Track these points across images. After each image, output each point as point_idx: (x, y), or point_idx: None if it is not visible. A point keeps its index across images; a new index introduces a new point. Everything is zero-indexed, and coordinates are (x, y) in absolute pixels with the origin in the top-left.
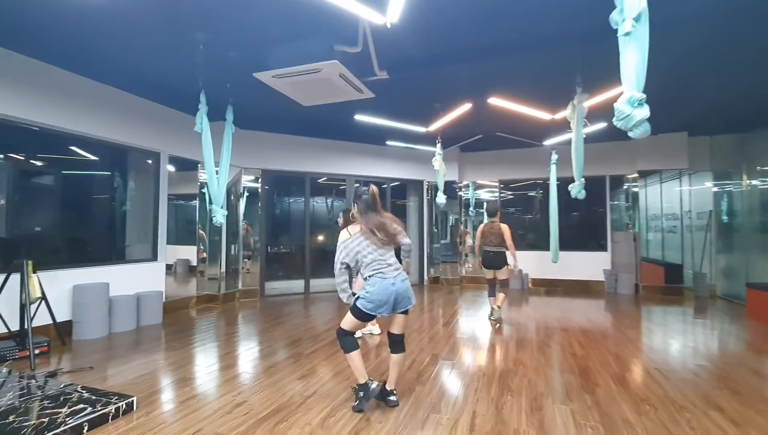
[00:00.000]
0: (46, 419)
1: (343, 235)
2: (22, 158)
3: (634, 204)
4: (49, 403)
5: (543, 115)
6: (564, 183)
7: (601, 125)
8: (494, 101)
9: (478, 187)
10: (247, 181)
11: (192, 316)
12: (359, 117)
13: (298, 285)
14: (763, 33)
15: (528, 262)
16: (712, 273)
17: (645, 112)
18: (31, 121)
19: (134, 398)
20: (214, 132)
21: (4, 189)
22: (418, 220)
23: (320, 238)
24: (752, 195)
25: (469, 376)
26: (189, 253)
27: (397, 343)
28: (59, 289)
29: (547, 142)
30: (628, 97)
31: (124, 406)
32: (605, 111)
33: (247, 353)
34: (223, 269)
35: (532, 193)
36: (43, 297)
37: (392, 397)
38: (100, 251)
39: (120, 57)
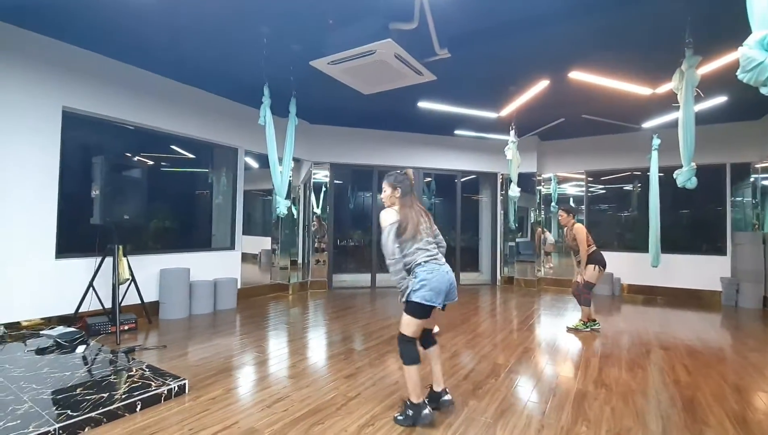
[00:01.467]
0: (106, 394)
1: (390, 215)
2: (130, 155)
3: (763, 199)
4: (114, 379)
5: (641, 90)
6: (669, 173)
7: (721, 99)
8: (576, 75)
9: (561, 180)
10: (320, 175)
11: (263, 303)
12: (423, 104)
13: (364, 278)
14: None
15: (621, 265)
16: None
17: None
18: (124, 120)
19: (186, 381)
20: (279, 126)
21: (99, 180)
22: (492, 216)
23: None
24: None
25: (537, 394)
26: (264, 243)
27: (428, 336)
28: (147, 272)
29: (647, 125)
30: (761, 37)
31: (176, 389)
32: (725, 81)
33: (303, 345)
34: (299, 259)
35: (628, 187)
36: (132, 278)
37: (446, 397)
38: (192, 239)
39: (197, 57)
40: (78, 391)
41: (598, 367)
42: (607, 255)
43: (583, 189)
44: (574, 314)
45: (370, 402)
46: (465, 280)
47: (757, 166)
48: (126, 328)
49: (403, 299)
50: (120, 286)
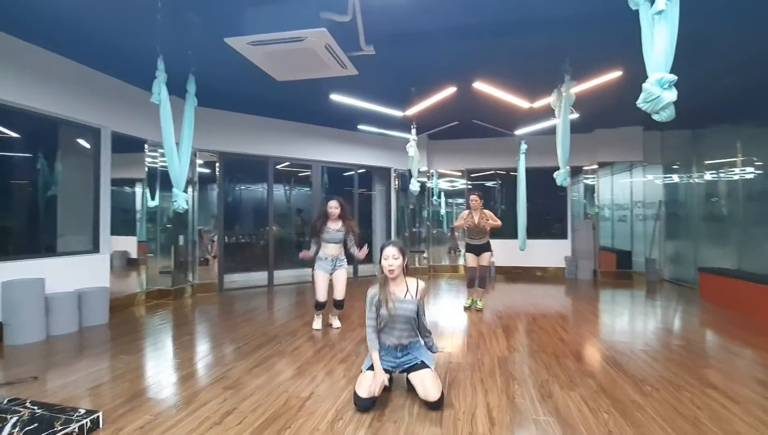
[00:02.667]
0: None
1: None
2: None
3: (590, 194)
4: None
5: (522, 103)
6: (532, 172)
7: (575, 116)
8: (479, 86)
9: (440, 176)
10: (206, 164)
11: (142, 314)
12: (335, 97)
13: (260, 277)
14: (711, 36)
15: (495, 250)
16: (661, 259)
17: (673, 95)
18: None
19: (100, 413)
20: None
21: None
22: (386, 209)
23: (284, 227)
24: (700, 187)
25: (468, 366)
26: (127, 244)
27: None
28: None
29: (518, 132)
30: (658, 79)
31: (89, 424)
32: (577, 102)
33: (222, 354)
34: (187, 259)
35: (490, 184)
36: None
37: None
38: (30, 243)
39: (48, 10)
40: None
41: (504, 336)
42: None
43: (464, 184)
44: (462, 295)
45: (328, 399)
46: (362, 272)
47: (585, 168)
48: None
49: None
50: None
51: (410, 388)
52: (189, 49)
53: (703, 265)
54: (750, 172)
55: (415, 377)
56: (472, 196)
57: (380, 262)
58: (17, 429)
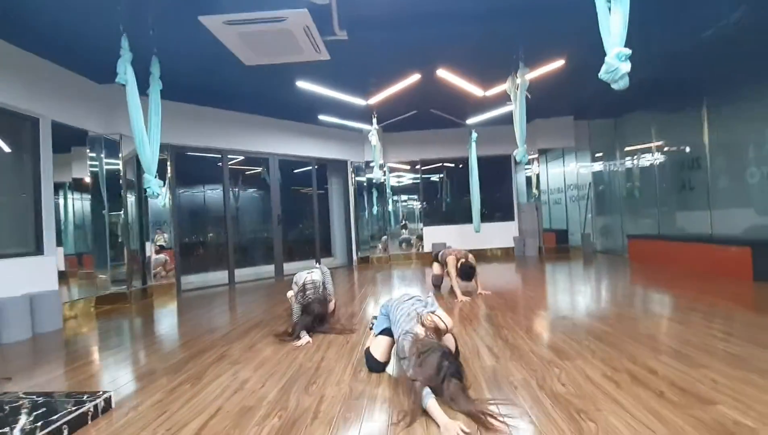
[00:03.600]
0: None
1: None
2: None
3: (531, 180)
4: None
5: (477, 90)
6: (480, 160)
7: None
8: (442, 73)
9: (391, 170)
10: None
11: (97, 319)
12: (302, 84)
13: (220, 277)
14: (630, 34)
15: (450, 235)
16: (593, 234)
17: (628, 66)
18: None
19: (111, 393)
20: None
21: None
22: (344, 202)
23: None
24: (623, 168)
25: (464, 319)
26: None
27: None
28: None
29: (470, 121)
30: (617, 53)
31: (102, 403)
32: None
33: (213, 338)
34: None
35: (436, 177)
36: None
37: None
38: None
39: None
40: None
41: (485, 307)
42: (439, 228)
43: (418, 177)
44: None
45: (341, 359)
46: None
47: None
48: None
49: None
50: None
51: None
52: (151, 29)
53: (628, 234)
54: (662, 153)
55: None
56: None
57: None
58: (27, 417)
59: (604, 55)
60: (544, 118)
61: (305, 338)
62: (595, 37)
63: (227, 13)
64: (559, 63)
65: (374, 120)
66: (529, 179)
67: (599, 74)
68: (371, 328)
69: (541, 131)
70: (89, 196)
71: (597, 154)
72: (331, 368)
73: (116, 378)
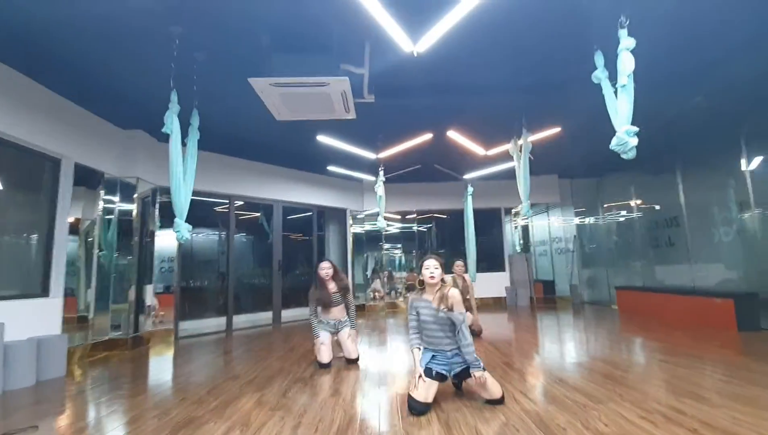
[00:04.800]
0: None
1: None
2: None
3: (520, 232)
4: None
5: (479, 150)
6: (478, 212)
7: (511, 164)
8: (452, 134)
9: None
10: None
11: (98, 366)
12: (321, 138)
13: (216, 323)
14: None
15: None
16: (580, 285)
17: (636, 141)
18: None
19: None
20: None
21: None
22: (341, 251)
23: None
24: (605, 224)
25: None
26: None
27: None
28: None
29: (466, 176)
30: (627, 129)
31: None
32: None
33: (238, 386)
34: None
35: (424, 229)
36: None
37: None
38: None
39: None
40: None
41: (499, 353)
42: None
43: (409, 226)
44: None
45: (383, 405)
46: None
47: (513, 210)
48: None
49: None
50: None
51: (458, 385)
52: (194, 85)
53: (616, 286)
54: (642, 210)
55: (476, 385)
56: (458, 262)
57: (420, 272)
58: None
59: (592, 124)
60: (533, 176)
61: (323, 336)
62: (582, 110)
63: (271, 75)
64: (555, 130)
65: (381, 172)
66: (519, 231)
67: (610, 145)
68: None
69: (530, 186)
70: (95, 237)
71: (579, 210)
72: (376, 412)
73: (159, 429)
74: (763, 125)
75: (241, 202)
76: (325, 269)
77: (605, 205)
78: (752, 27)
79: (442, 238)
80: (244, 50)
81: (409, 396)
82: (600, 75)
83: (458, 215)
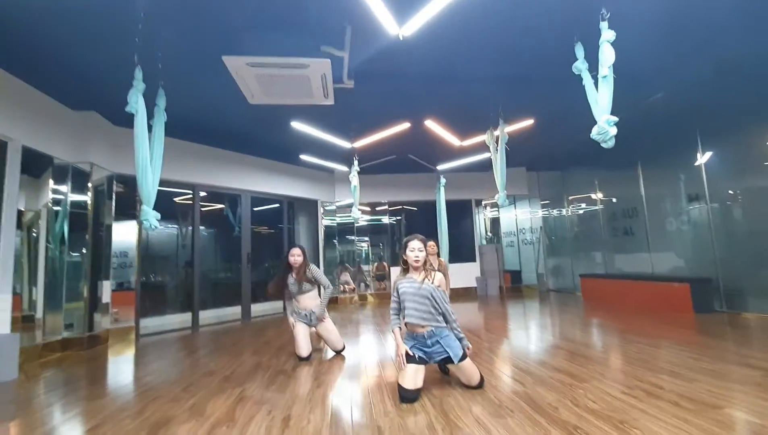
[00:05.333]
0: None
1: None
2: None
3: (490, 223)
4: None
5: (454, 140)
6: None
7: (485, 155)
8: (430, 123)
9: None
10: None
11: (55, 368)
12: (296, 124)
13: (181, 320)
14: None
15: None
16: (546, 273)
17: (615, 130)
18: None
19: None
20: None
21: None
22: (313, 241)
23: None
24: (570, 216)
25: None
26: None
27: None
28: None
29: (440, 167)
30: (607, 119)
31: None
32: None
33: (221, 379)
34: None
35: (394, 220)
36: None
37: None
38: None
39: None
40: None
41: (483, 340)
42: None
43: (379, 218)
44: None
45: (375, 393)
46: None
47: (483, 202)
48: None
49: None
50: None
51: (444, 370)
52: (159, 63)
53: (580, 274)
54: (604, 202)
55: (453, 367)
56: (430, 243)
57: (404, 253)
58: None
59: (561, 118)
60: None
61: (298, 327)
62: (554, 104)
63: (245, 54)
64: (529, 121)
65: (356, 162)
66: (488, 223)
67: (591, 135)
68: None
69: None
70: (41, 231)
71: (545, 202)
72: (367, 401)
73: (135, 430)
74: (717, 122)
75: (205, 193)
76: (295, 256)
77: (570, 198)
78: (701, 33)
79: (412, 229)
80: (214, 27)
81: (399, 385)
82: (580, 66)
83: (429, 206)
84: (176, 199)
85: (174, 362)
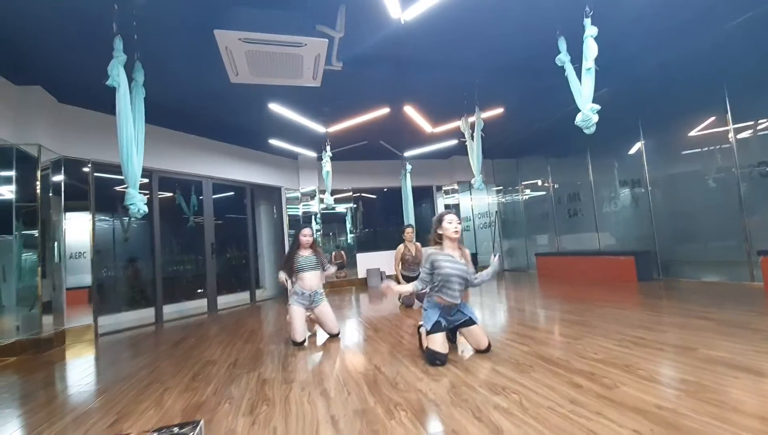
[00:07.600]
0: None
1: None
2: None
3: (450, 208)
4: None
5: (427, 126)
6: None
7: (452, 142)
8: (408, 109)
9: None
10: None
11: (13, 371)
12: (274, 106)
13: (140, 316)
14: (535, 92)
15: (383, 260)
16: (502, 254)
17: (597, 117)
18: None
19: (201, 421)
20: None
21: None
22: (276, 229)
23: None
24: (523, 200)
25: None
26: None
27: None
28: None
29: (406, 154)
30: (591, 107)
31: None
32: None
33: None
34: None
35: (347, 206)
36: None
37: None
38: None
39: None
40: None
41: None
42: (372, 255)
43: (350, 205)
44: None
45: (398, 364)
46: (259, 297)
47: (443, 188)
48: None
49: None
50: None
51: (454, 338)
52: (134, 33)
53: (536, 253)
54: (557, 187)
55: (466, 332)
56: (407, 229)
57: (439, 228)
58: None
59: (522, 108)
60: (459, 156)
61: (295, 310)
62: (524, 94)
63: (234, 28)
64: (499, 110)
65: (328, 148)
66: (449, 208)
67: (575, 121)
68: (419, 327)
69: (457, 166)
70: None
71: (499, 188)
72: (395, 369)
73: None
74: (655, 115)
75: (161, 178)
76: (307, 236)
77: (523, 183)
78: (649, 36)
79: (371, 217)
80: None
81: (428, 349)
82: (563, 58)
83: (389, 194)
84: (116, 188)
85: (159, 356)
